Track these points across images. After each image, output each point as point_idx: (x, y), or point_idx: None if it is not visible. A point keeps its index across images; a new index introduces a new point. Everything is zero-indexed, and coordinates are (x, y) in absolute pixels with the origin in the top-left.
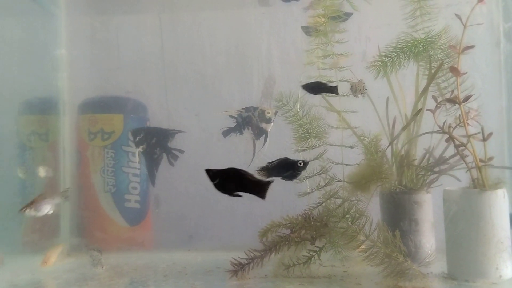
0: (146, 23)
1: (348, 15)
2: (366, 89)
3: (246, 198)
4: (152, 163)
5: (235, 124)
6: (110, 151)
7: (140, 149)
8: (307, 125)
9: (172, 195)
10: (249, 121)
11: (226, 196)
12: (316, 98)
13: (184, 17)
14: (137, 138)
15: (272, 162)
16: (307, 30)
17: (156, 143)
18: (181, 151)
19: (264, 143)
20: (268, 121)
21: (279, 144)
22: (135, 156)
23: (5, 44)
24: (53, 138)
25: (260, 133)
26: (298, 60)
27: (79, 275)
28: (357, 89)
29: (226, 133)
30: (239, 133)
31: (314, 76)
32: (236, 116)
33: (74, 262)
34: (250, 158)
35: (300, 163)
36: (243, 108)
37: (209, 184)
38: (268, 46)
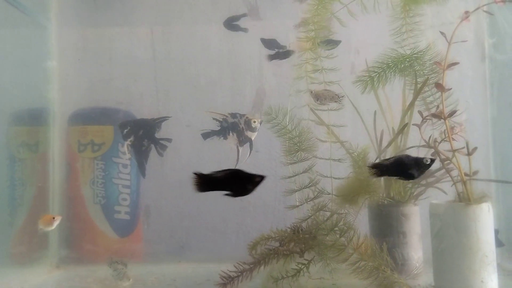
0: (138, 35)
1: (336, 43)
2: (342, 96)
3: (238, 210)
4: (141, 155)
5: (219, 127)
6: (100, 163)
7: (128, 141)
8: (296, 138)
9: (162, 206)
10: (235, 128)
11: (217, 207)
12: (305, 112)
13: (176, 30)
14: (125, 131)
15: (388, 158)
16: (266, 43)
17: (144, 135)
18: (169, 140)
19: (250, 151)
20: (254, 129)
21: (268, 156)
22: (126, 166)
23: None
24: (43, 149)
25: (244, 140)
26: (290, 73)
27: None
28: (326, 97)
29: (207, 135)
30: (223, 138)
31: (303, 90)
32: (221, 120)
33: (63, 274)
34: (242, 169)
35: (427, 160)
36: (229, 113)
37: (200, 195)
38: (260, 58)
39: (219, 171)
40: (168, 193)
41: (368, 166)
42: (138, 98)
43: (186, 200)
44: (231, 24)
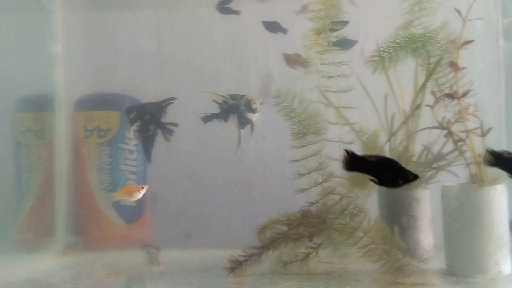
0: (143, 20)
1: (344, 23)
2: (308, 62)
3: (244, 197)
4: (147, 139)
5: (220, 110)
6: (106, 149)
7: (134, 126)
8: (305, 121)
9: (169, 192)
10: (235, 110)
11: (224, 193)
12: (314, 94)
13: (182, 14)
14: (131, 116)
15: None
16: (268, 26)
17: (150, 119)
18: (175, 124)
19: (251, 133)
20: (254, 111)
21: (275, 142)
22: (132, 152)
23: (0, 40)
24: (49, 135)
25: (245, 122)
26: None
27: (75, 273)
28: (296, 61)
29: (207, 119)
30: (223, 120)
31: (311, 72)
32: (221, 102)
33: (70, 260)
34: (247, 156)
35: None
36: (229, 95)
37: (207, 182)
38: (266, 43)
39: (373, 155)
40: (174, 180)
41: (487, 151)
42: (143, 83)
43: (192, 187)
44: (223, 7)
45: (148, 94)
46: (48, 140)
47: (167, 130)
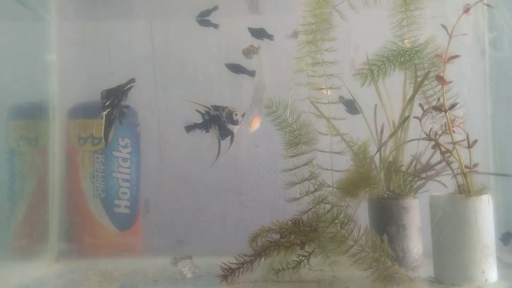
0: (137, 29)
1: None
2: (258, 48)
3: (237, 204)
4: (109, 123)
5: (202, 120)
6: (100, 156)
7: (106, 112)
8: (296, 131)
9: (162, 200)
10: (217, 120)
11: (217, 201)
12: (306, 105)
13: (175, 23)
14: (108, 102)
15: None
16: (253, 32)
17: (116, 103)
18: (127, 107)
19: (231, 144)
20: (235, 122)
21: (268, 151)
22: (126, 160)
23: None
24: (43, 143)
25: (226, 133)
26: (289, 67)
27: (68, 281)
28: (250, 51)
29: (190, 128)
30: (204, 131)
31: (303, 83)
32: (203, 112)
33: (63, 267)
34: (240, 164)
35: None
36: (211, 106)
37: (200, 189)
38: (259, 52)
39: None
40: (167, 187)
41: None
42: (136, 92)
43: (185, 195)
44: (202, 19)
45: (142, 102)
46: (42, 147)
47: (121, 113)
